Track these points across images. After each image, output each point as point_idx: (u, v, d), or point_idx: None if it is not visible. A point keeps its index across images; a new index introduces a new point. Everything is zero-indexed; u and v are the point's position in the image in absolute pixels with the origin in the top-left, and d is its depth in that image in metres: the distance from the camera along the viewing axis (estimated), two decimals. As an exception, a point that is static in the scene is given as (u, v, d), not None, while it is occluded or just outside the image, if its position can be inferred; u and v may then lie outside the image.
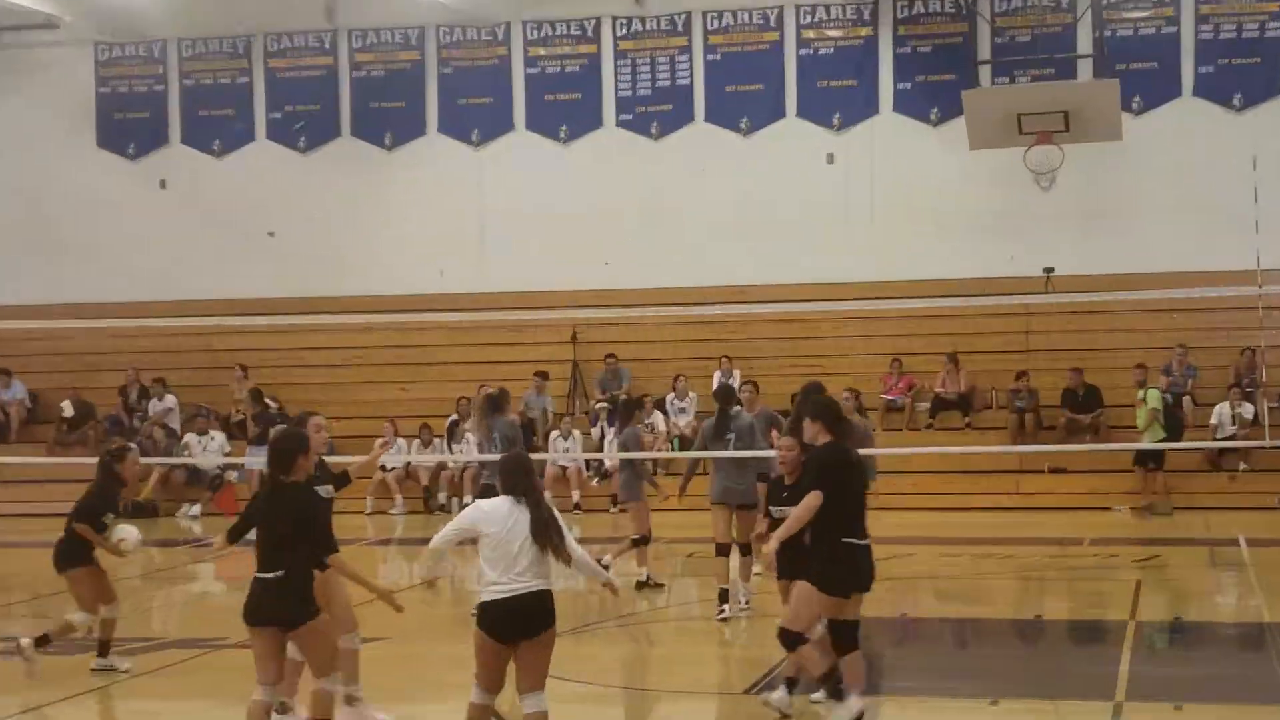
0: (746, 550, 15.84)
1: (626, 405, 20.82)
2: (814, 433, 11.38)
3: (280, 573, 9.61)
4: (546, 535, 9.72)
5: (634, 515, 18.08)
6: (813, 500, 11.03)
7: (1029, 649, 15.89)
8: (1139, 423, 25.27)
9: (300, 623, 9.75)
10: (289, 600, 9.74)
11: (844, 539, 10.97)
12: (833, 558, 10.99)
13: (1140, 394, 25.40)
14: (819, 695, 11.35)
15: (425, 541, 17.00)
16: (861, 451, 13.74)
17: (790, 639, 10.92)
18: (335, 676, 10.27)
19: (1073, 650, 15.43)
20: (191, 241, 31.15)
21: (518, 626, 9.58)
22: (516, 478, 10.00)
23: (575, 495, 26.64)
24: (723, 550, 15.87)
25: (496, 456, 16.12)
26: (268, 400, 27.17)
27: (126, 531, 14.25)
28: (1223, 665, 14.12)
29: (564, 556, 9.79)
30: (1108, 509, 25.19)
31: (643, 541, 17.77)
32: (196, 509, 27.63)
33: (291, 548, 9.75)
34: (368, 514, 27.08)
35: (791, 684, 11.57)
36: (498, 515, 9.74)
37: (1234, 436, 25.13)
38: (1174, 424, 25.24)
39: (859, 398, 18.16)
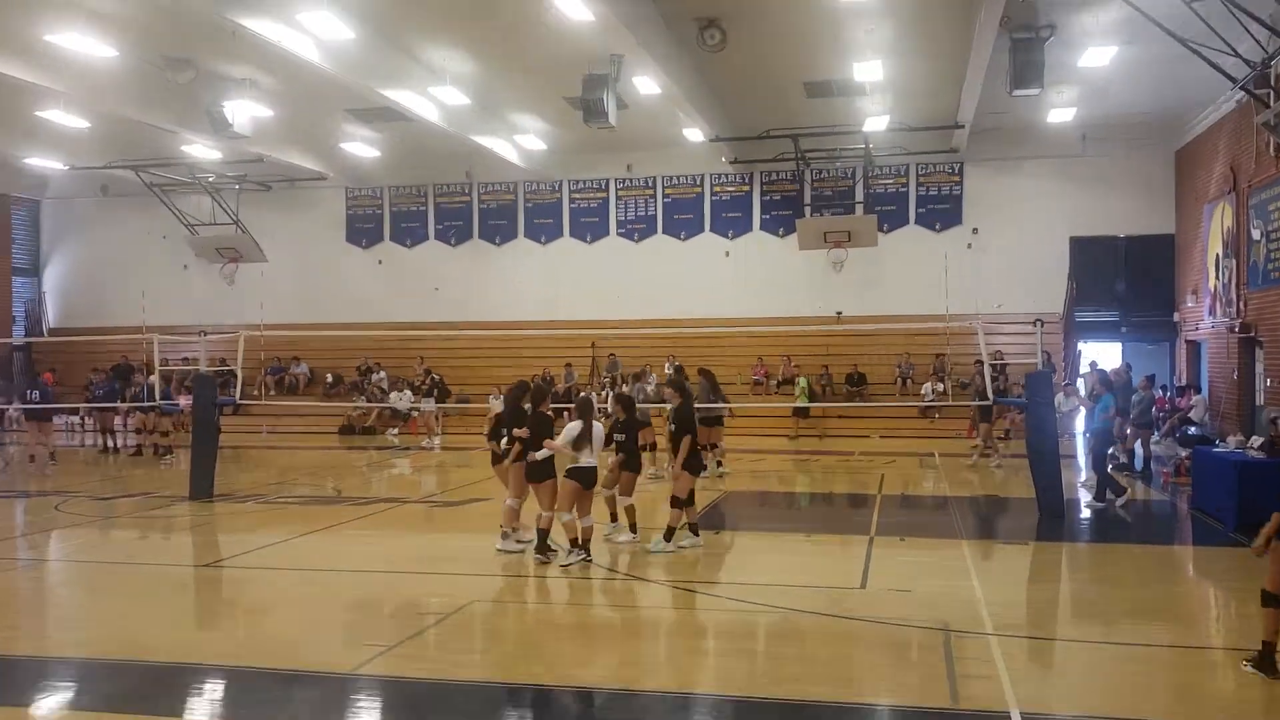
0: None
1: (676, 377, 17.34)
2: (670, 395, 11.71)
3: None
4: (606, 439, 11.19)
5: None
6: (688, 440, 11.25)
7: (827, 507, 15.93)
8: (799, 394, 25.78)
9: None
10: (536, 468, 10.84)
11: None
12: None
13: (802, 381, 25.93)
14: None
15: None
16: (698, 405, 14.33)
17: None
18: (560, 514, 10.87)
19: (847, 508, 15.42)
20: (394, 291, 31.04)
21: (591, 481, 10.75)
22: (586, 408, 10.92)
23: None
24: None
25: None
26: (433, 374, 27.12)
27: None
28: (924, 517, 14.23)
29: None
30: (866, 436, 25.29)
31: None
32: (395, 431, 27.60)
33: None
34: (485, 435, 27.00)
35: None
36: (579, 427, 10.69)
37: (933, 401, 25.27)
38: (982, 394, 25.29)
39: (711, 376, 17.19)
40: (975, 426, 21.67)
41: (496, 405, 19.51)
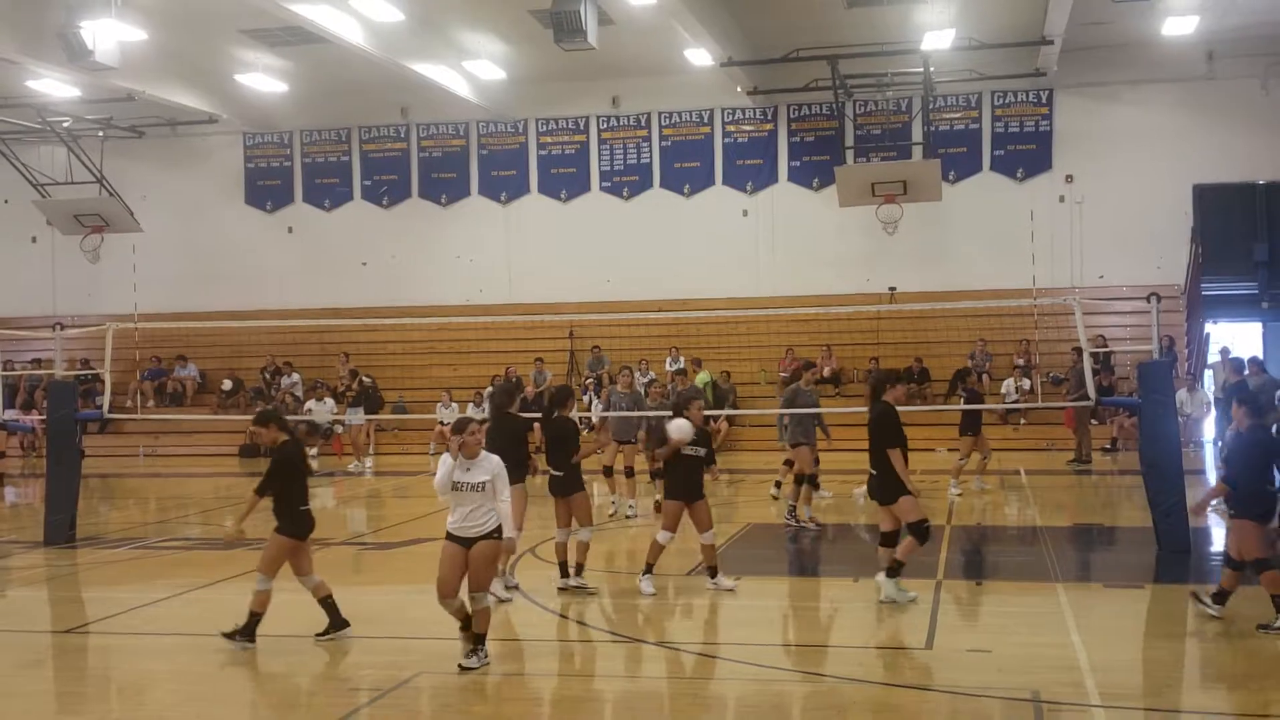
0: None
1: (794, 374, 17.66)
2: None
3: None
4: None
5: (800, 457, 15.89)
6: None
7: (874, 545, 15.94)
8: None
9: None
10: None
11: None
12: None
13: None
14: None
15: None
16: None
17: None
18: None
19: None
20: (309, 268, 31.18)
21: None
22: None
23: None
24: None
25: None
26: (362, 377, 27.16)
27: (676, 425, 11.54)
28: (1010, 555, 14.23)
29: None
30: (931, 449, 25.30)
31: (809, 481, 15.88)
32: (314, 451, 27.59)
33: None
34: (431, 454, 27.10)
35: None
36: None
37: (1016, 401, 25.30)
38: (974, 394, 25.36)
39: (729, 377, 18.76)
40: (1078, 433, 21.70)
41: (446, 414, 19.42)
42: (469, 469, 9.17)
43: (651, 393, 19.07)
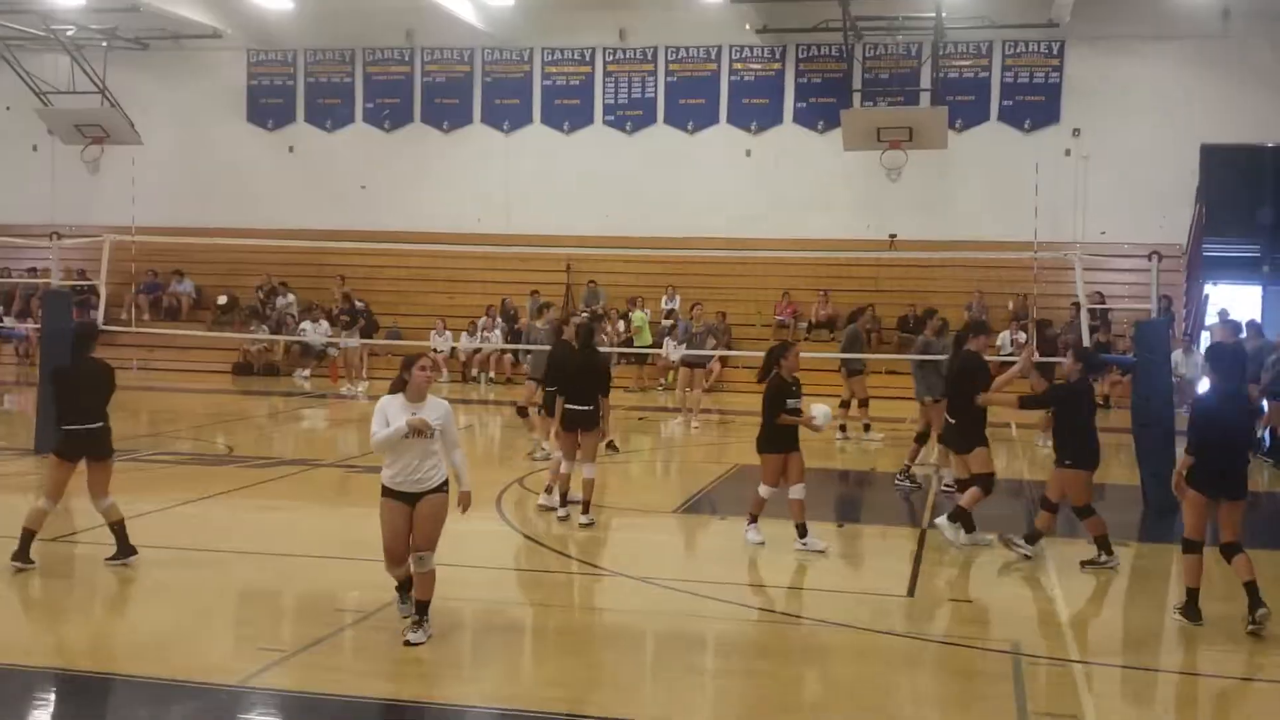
0: None
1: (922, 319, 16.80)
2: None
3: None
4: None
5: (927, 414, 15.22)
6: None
7: (866, 490, 16.00)
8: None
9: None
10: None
11: None
12: None
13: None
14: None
15: (466, 402, 17.09)
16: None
17: None
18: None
19: (892, 492, 15.13)
20: (309, 189, 31.00)
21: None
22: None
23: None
24: None
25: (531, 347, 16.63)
26: (355, 301, 27.08)
27: (820, 410, 11.69)
28: (993, 506, 14.23)
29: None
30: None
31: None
32: (306, 373, 27.66)
33: None
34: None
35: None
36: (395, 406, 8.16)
37: (1012, 353, 25.22)
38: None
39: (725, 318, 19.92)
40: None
41: (440, 342, 19.38)
42: (415, 413, 8.07)
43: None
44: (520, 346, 17.36)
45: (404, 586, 8.59)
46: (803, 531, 11.10)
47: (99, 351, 10.59)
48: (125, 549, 10.12)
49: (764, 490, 11.28)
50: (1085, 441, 10.76)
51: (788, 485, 11.17)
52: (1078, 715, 7.26)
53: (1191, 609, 9.00)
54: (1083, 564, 10.70)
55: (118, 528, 10.14)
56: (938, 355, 14.74)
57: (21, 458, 15.43)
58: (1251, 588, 8.83)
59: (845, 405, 18.58)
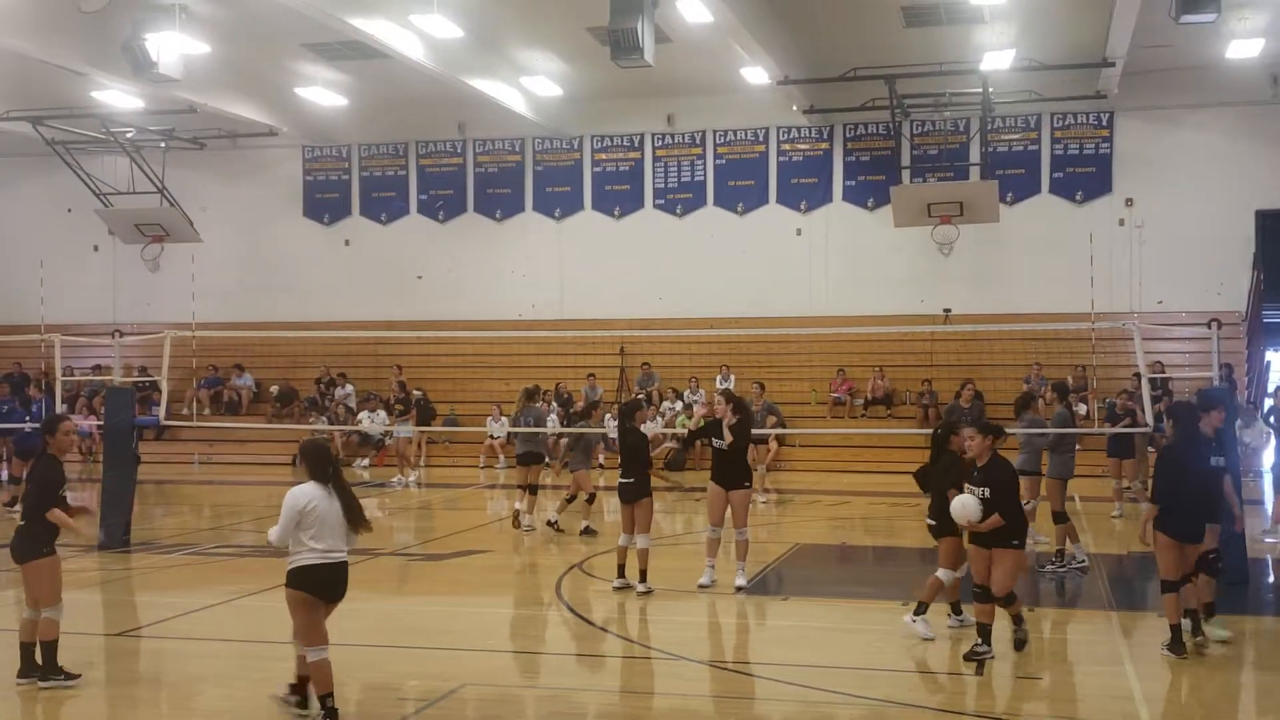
0: None
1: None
2: (723, 412, 12.68)
3: None
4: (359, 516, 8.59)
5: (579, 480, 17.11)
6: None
7: (930, 566, 15.78)
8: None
9: None
10: None
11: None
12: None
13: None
14: None
15: (523, 487, 17.23)
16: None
17: None
18: None
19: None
20: (365, 281, 31.37)
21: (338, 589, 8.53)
22: (321, 464, 8.88)
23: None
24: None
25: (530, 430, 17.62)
26: (412, 390, 27.30)
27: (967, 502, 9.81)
28: (1056, 579, 14.02)
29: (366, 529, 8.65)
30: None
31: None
32: (366, 462, 27.82)
33: None
34: (480, 467, 27.23)
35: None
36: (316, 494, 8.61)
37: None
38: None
39: (764, 389, 20.93)
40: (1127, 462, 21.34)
41: (496, 428, 19.56)
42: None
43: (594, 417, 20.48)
44: (570, 430, 17.88)
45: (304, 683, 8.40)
46: (956, 609, 10.88)
47: (162, 447, 10.68)
48: (27, 670, 9.37)
49: (944, 575, 10.67)
50: (1020, 519, 9.98)
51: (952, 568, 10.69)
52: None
53: (1177, 644, 9.87)
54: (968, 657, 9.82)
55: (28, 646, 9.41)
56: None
57: (85, 554, 15.54)
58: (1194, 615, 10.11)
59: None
